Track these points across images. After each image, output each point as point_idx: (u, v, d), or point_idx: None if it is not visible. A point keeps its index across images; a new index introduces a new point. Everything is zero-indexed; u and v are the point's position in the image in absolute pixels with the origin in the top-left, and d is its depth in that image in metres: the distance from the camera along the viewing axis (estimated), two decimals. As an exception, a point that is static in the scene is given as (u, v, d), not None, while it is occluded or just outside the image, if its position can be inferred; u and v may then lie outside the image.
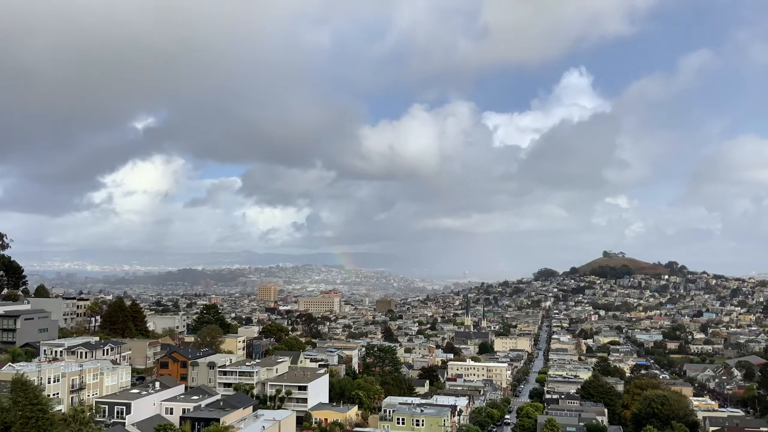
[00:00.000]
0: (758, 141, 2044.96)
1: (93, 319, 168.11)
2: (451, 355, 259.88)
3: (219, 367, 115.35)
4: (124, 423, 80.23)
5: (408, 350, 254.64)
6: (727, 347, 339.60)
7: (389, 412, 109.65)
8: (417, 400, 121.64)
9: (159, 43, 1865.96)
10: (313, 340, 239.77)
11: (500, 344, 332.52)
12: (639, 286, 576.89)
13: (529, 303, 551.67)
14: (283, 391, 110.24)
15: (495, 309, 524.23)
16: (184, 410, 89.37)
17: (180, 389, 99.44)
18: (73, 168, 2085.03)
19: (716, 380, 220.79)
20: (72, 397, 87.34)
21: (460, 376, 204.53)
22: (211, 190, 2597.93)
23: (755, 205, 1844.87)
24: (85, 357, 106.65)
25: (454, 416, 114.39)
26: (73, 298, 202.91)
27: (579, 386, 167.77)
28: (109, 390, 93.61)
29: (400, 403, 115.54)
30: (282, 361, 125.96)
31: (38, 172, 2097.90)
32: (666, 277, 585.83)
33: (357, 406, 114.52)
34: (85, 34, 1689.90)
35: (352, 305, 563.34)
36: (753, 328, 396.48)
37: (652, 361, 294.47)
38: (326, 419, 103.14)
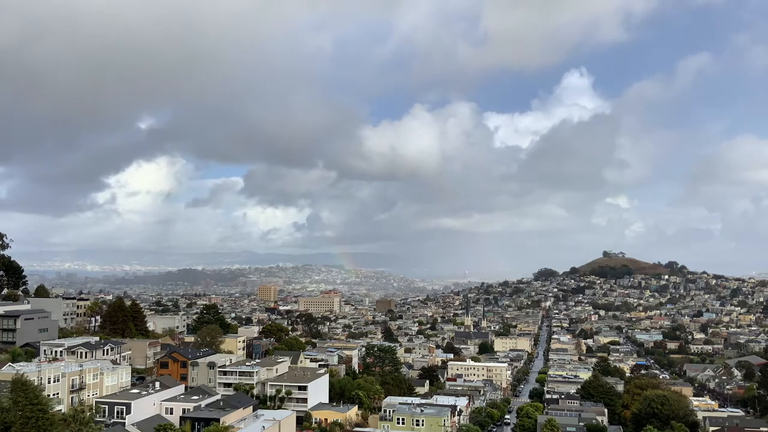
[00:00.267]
0: (757, 141, 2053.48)
1: (93, 319, 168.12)
2: (451, 355, 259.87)
3: (219, 367, 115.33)
4: (124, 423, 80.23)
5: (408, 350, 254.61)
6: (727, 347, 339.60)
7: (389, 412, 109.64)
8: (417, 400, 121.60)
9: (164, 46, 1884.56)
10: (313, 340, 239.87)
11: (500, 344, 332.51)
12: (639, 286, 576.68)
13: (529, 303, 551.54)
14: (283, 391, 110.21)
15: (495, 309, 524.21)
16: (184, 410, 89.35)
17: (180, 389, 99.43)
18: (77, 169, 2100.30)
19: (716, 380, 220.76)
20: (72, 397, 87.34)
21: (460, 376, 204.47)
22: (213, 191, 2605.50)
23: (755, 205, 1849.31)
24: (85, 357, 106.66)
25: (454, 416, 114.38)
26: (73, 298, 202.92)
27: (579, 386, 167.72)
28: (109, 390, 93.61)
29: (400, 403, 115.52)
30: (282, 361, 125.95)
31: (42, 173, 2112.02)
32: (666, 277, 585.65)
33: (357, 406, 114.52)
34: (91, 38, 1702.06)
35: (352, 305, 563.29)
36: (753, 328, 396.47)
37: (652, 361, 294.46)
38: (326, 419, 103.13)
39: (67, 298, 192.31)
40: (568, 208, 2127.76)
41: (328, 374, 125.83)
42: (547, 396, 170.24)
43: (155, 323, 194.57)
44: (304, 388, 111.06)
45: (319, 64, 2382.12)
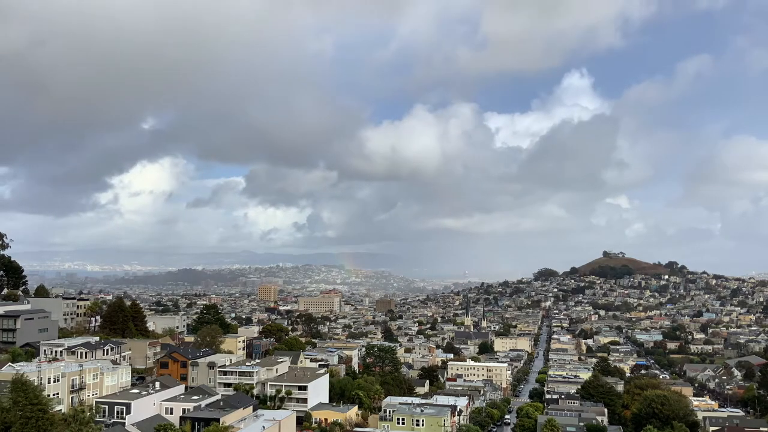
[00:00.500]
0: (756, 143, 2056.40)
1: (93, 319, 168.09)
2: (451, 355, 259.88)
3: (219, 367, 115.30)
4: (124, 423, 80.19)
5: (408, 350, 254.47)
6: (727, 347, 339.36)
7: (389, 412, 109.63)
8: (417, 400, 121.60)
9: (168, 48, 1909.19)
10: (313, 340, 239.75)
11: (500, 344, 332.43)
12: (639, 286, 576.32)
13: (529, 303, 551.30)
14: (283, 391, 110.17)
15: (495, 309, 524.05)
16: (184, 410, 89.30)
17: (180, 389, 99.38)
18: (81, 170, 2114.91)
19: (716, 380, 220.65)
20: (72, 397, 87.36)
21: (460, 376, 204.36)
22: (215, 191, 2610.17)
23: (754, 205, 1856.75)
24: (85, 357, 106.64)
25: (454, 416, 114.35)
26: (73, 298, 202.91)
27: (579, 386, 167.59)
28: (109, 390, 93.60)
29: (400, 403, 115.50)
30: (282, 361, 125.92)
31: (46, 174, 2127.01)
32: (666, 277, 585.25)
33: (357, 406, 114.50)
34: (96, 41, 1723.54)
35: (352, 305, 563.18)
36: (753, 328, 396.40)
37: (652, 361, 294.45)
38: (326, 419, 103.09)
39: (67, 298, 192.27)
40: (568, 208, 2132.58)
41: (328, 374, 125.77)
42: (547, 396, 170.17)
43: (155, 323, 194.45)
44: (304, 388, 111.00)
45: (321, 66, 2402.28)
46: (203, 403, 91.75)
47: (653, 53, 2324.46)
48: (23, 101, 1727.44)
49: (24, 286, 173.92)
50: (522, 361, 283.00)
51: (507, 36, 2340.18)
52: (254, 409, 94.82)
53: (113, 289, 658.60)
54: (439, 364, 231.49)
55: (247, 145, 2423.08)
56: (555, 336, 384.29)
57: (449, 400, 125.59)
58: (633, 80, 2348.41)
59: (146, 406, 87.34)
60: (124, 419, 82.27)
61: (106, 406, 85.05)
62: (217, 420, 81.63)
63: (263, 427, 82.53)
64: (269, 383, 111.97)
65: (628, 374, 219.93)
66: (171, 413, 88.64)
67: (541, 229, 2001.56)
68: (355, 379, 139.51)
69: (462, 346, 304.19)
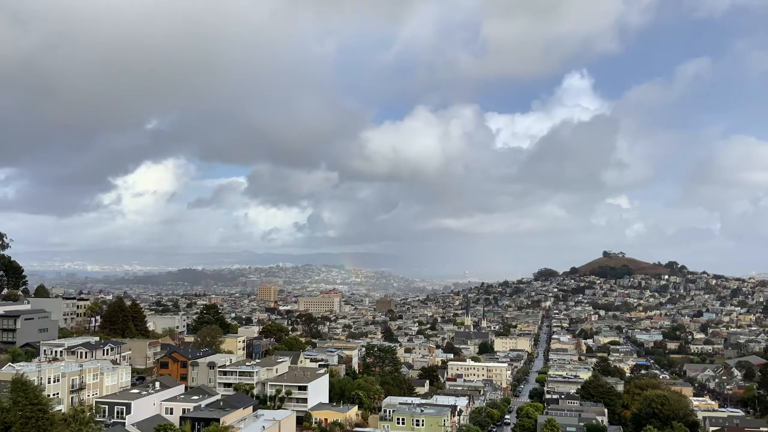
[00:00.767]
0: (755, 143, 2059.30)
1: (93, 319, 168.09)
2: (451, 355, 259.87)
3: (219, 367, 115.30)
4: (124, 423, 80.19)
5: (408, 350, 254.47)
6: (727, 347, 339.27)
7: (389, 412, 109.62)
8: (417, 400, 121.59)
9: (173, 51, 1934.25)
10: (313, 340, 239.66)
11: (500, 344, 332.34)
12: (639, 286, 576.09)
13: (529, 303, 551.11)
14: (283, 391, 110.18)
15: (495, 309, 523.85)
16: (184, 410, 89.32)
17: (180, 389, 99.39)
18: (86, 170, 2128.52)
19: (716, 380, 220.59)
20: (72, 397, 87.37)
21: (460, 376, 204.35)
22: (217, 191, 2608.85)
23: (753, 205, 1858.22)
24: (85, 357, 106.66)
25: (454, 416, 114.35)
26: (73, 298, 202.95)
27: (579, 386, 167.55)
28: (109, 390, 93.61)
29: (400, 403, 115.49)
30: (282, 361, 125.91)
31: (51, 175, 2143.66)
32: (666, 277, 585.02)
33: (357, 406, 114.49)
34: (103, 44, 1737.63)
35: (352, 305, 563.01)
36: (753, 328, 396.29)
37: (652, 361, 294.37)
38: (326, 419, 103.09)
39: (67, 298, 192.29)
40: (568, 208, 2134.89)
41: (328, 374, 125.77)
42: (547, 396, 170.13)
43: (155, 323, 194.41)
44: (304, 388, 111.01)
45: (323, 68, 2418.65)
46: (203, 403, 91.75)
47: (653, 56, 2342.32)
48: (31, 104, 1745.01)
49: (24, 286, 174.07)
50: (522, 361, 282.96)
51: (507, 41, 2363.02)
52: (254, 409, 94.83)
53: (113, 289, 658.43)
54: (439, 364, 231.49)
55: (249, 146, 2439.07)
56: (555, 336, 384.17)
57: (449, 400, 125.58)
58: (633, 82, 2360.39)
59: (146, 406, 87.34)
60: (124, 419, 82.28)
61: (106, 406, 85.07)
62: (217, 420, 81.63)
63: (263, 427, 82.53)
64: (269, 383, 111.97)
65: (628, 374, 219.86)
66: (171, 413, 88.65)
67: (541, 229, 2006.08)
68: (355, 379, 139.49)
69: (462, 346, 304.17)
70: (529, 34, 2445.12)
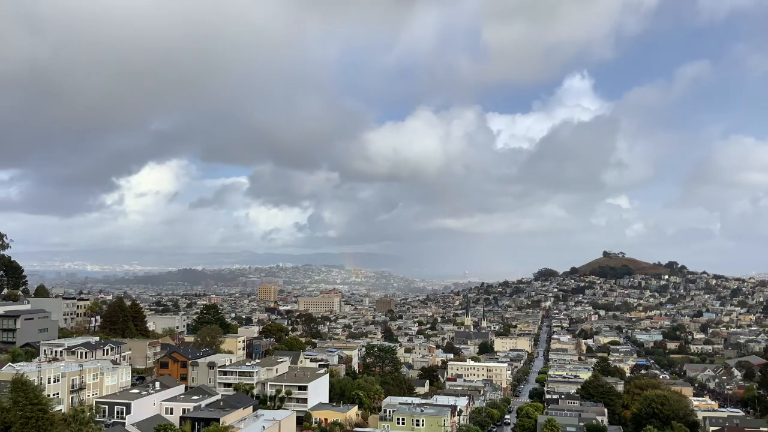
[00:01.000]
0: (755, 144, 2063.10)
1: (93, 319, 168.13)
2: (451, 355, 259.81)
3: (219, 367, 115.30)
4: (124, 423, 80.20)
5: (408, 350, 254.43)
6: (727, 347, 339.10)
7: (389, 412, 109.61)
8: (417, 400, 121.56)
9: (177, 53, 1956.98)
10: (313, 340, 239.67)
11: (500, 344, 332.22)
12: (639, 286, 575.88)
13: (529, 303, 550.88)
14: (283, 391, 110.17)
15: (495, 309, 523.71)
16: (184, 410, 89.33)
17: (180, 389, 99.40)
18: (89, 171, 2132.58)
19: (716, 380, 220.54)
20: (72, 397, 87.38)
21: (460, 376, 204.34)
22: (219, 191, 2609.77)
23: (753, 205, 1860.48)
24: (85, 357, 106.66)
25: (454, 416, 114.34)
26: (73, 298, 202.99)
27: (579, 386, 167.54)
28: (109, 390, 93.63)
29: (400, 403, 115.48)
30: (282, 361, 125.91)
31: (55, 175, 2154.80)
32: (666, 277, 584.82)
33: (357, 406, 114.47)
34: (107, 46, 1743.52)
35: (352, 305, 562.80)
36: (753, 328, 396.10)
37: (652, 361, 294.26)
38: (326, 419, 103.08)
39: (67, 298, 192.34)
40: (568, 208, 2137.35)
41: (328, 374, 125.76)
42: (547, 396, 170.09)
43: (155, 323, 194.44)
44: (304, 388, 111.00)
45: (325, 69, 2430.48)
46: (203, 403, 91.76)
47: (652, 59, 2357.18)
48: (35, 106, 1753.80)
49: (24, 286, 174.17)
50: (522, 361, 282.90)
51: (507, 46, 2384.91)
52: (254, 409, 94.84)
53: (113, 289, 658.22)
54: (439, 364, 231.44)
55: (251, 147, 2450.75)
56: (555, 336, 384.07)
57: (449, 400, 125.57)
58: (633, 83, 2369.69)
59: (146, 406, 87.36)
60: (124, 419, 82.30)
61: (106, 406, 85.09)
62: (217, 420, 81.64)
63: (263, 427, 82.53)
64: (269, 383, 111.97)
65: (628, 374, 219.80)
66: (171, 413, 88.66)
67: (541, 229, 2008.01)
68: (355, 379, 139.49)
69: (462, 346, 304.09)
70: (530, 39, 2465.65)
